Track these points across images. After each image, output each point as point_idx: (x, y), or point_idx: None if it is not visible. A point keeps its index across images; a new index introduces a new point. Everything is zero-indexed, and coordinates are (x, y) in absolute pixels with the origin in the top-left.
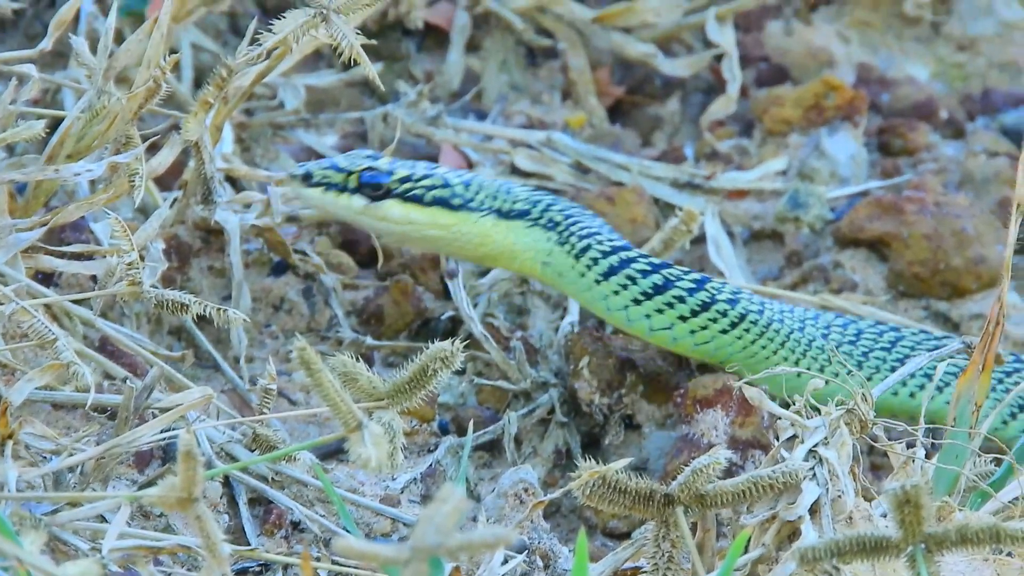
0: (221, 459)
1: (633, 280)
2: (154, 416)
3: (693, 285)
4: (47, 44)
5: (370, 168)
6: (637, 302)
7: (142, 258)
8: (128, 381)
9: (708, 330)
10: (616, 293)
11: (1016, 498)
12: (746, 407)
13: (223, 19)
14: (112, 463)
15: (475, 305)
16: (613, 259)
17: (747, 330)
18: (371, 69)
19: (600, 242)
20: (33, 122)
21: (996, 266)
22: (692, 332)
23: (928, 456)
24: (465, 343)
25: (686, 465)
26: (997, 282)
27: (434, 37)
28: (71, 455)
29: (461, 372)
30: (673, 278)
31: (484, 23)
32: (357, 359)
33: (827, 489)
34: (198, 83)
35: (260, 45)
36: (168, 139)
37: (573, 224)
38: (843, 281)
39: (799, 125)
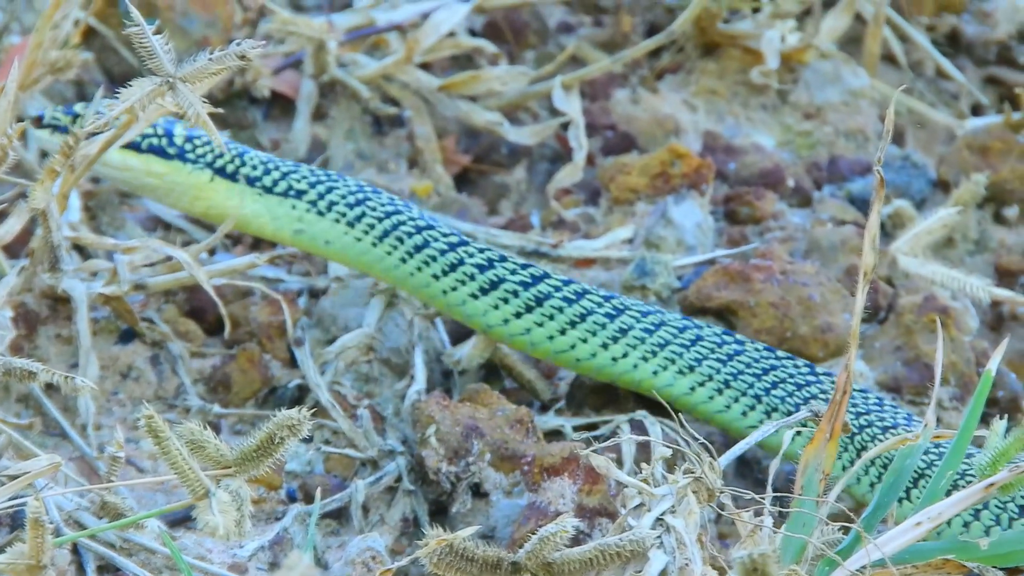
0: (69, 527)
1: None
2: (2, 484)
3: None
4: None
5: (97, 114)
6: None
7: None
8: None
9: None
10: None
11: (864, 567)
12: (593, 475)
13: (70, 87)
14: None
15: (322, 373)
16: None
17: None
18: (217, 137)
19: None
20: None
21: (843, 334)
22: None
23: (776, 524)
24: (312, 411)
25: (533, 533)
26: (844, 350)
27: (280, 105)
28: None
29: (308, 440)
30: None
31: (330, 91)
32: (205, 427)
33: (675, 557)
34: (44, 152)
35: (107, 114)
36: (15, 207)
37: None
38: None
39: (646, 193)
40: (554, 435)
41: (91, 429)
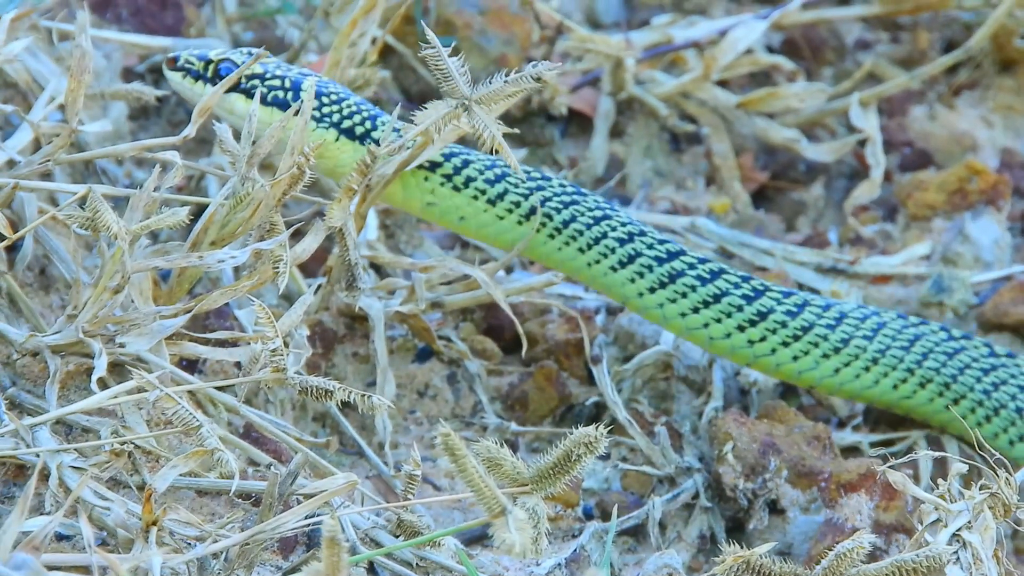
0: (366, 545)
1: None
2: (298, 502)
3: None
4: (191, 131)
5: (228, 60)
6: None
7: (286, 345)
8: (272, 467)
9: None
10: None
11: None
12: (890, 491)
13: None
14: (256, 549)
15: (619, 390)
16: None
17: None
18: (512, 158)
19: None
20: (177, 209)
21: None
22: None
23: None
24: (609, 428)
25: (830, 549)
26: None
27: (578, 123)
28: (215, 541)
29: (605, 457)
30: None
31: (628, 109)
32: (502, 445)
33: (971, 573)
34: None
35: (403, 135)
36: (312, 225)
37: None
38: None
39: (943, 209)
40: (851, 451)
41: (388, 447)
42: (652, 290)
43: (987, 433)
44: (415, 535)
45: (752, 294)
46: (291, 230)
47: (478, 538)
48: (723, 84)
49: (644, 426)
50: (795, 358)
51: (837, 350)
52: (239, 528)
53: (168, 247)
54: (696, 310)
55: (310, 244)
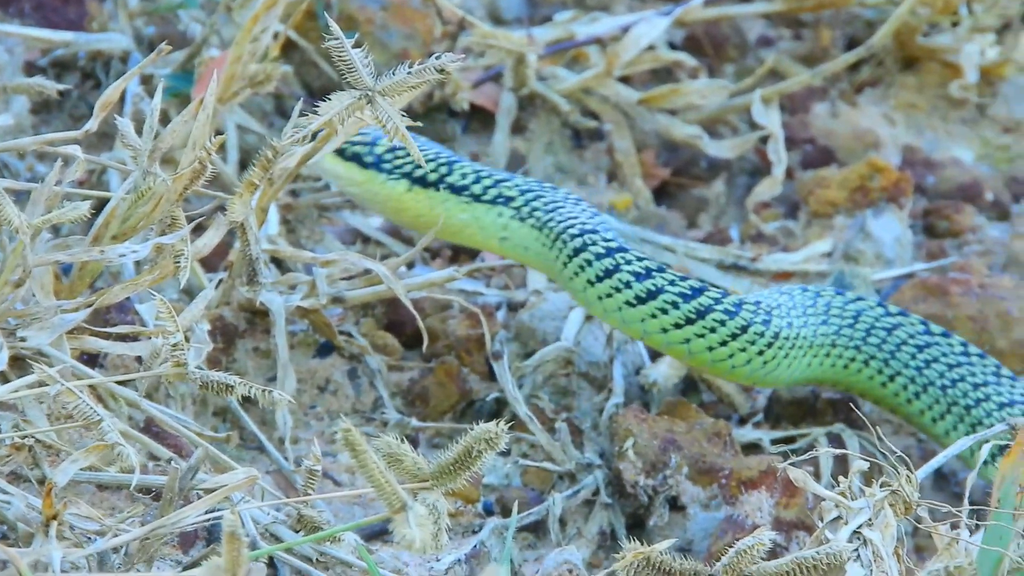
0: (266, 540)
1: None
2: (199, 497)
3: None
4: (93, 125)
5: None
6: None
7: (187, 339)
8: (173, 462)
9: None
10: (595, 286)
11: None
12: (791, 488)
13: (268, 100)
14: (157, 544)
15: (520, 386)
16: (578, 241)
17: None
18: (416, 150)
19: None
20: (78, 203)
21: None
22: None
23: (972, 537)
24: (510, 424)
25: (730, 546)
26: None
27: (480, 118)
28: (116, 536)
29: (506, 453)
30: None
31: (530, 104)
32: (402, 440)
33: (871, 570)
34: (243, 164)
35: (306, 127)
36: (213, 220)
37: (533, 200)
38: None
39: (844, 207)
40: (752, 448)
41: (288, 442)
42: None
43: (915, 410)
44: (315, 530)
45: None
46: (192, 225)
47: (378, 533)
48: (625, 80)
49: (545, 422)
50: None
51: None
52: (139, 523)
53: (69, 241)
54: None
55: (211, 239)
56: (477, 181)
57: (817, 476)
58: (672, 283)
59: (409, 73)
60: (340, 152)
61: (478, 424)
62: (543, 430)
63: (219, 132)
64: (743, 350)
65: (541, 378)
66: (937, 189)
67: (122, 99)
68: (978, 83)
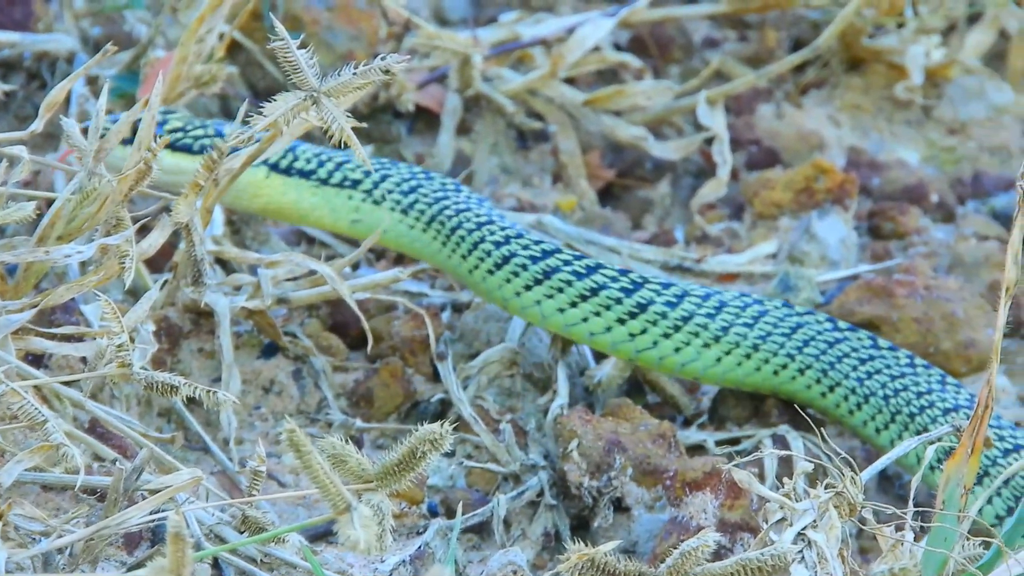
0: (210, 541)
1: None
2: (143, 498)
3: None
4: (38, 126)
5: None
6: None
7: (132, 340)
8: (118, 463)
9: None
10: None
11: None
12: (735, 490)
13: (214, 101)
14: (101, 545)
15: (465, 387)
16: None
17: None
18: (361, 152)
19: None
20: (23, 204)
21: (986, 349)
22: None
23: (917, 539)
24: (454, 425)
25: (675, 548)
26: (986, 366)
27: (425, 120)
28: (60, 536)
29: (450, 454)
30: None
31: (475, 105)
32: (347, 441)
33: (815, 572)
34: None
35: (250, 127)
36: (158, 221)
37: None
38: None
39: (789, 208)
40: (696, 450)
41: (233, 443)
42: (528, 288)
43: (858, 420)
44: (260, 531)
45: (631, 287)
46: (137, 225)
47: (323, 535)
48: (570, 82)
49: (489, 423)
50: (677, 349)
51: (717, 339)
52: (84, 523)
53: (14, 242)
54: (574, 304)
55: (156, 239)
56: (321, 165)
57: (762, 478)
58: (567, 263)
59: (354, 74)
60: (182, 148)
61: (423, 425)
62: (488, 431)
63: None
64: (644, 331)
65: (486, 379)
66: (882, 191)
67: (68, 100)
68: (923, 85)
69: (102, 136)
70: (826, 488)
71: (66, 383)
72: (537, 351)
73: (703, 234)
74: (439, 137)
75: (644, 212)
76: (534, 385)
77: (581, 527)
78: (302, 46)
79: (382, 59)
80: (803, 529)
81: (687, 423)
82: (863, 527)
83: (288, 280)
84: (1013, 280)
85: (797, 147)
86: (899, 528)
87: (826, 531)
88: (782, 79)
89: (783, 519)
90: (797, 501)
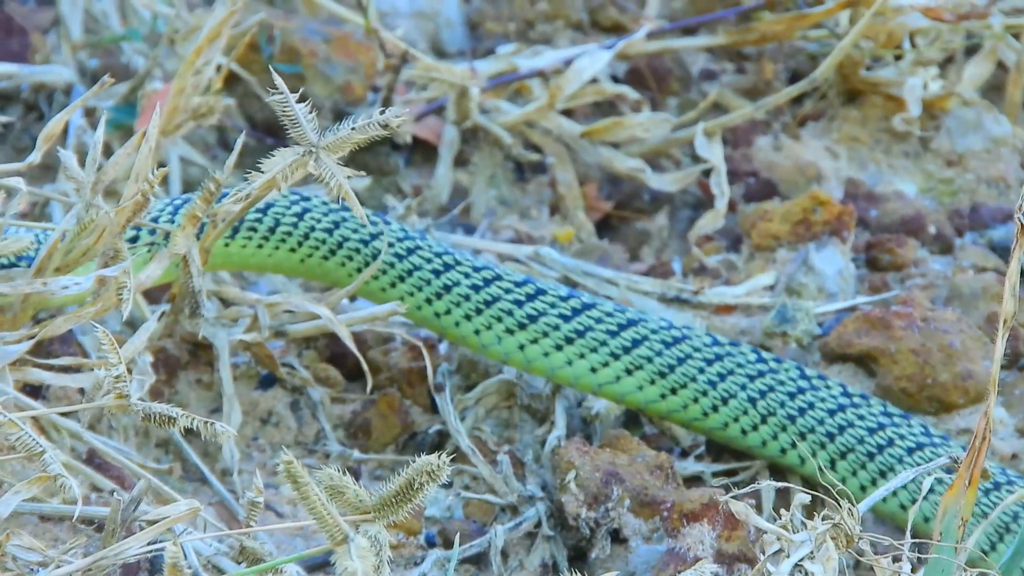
0: (208, 572)
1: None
2: (141, 528)
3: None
4: (36, 157)
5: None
6: None
7: (130, 371)
8: (115, 494)
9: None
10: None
11: None
12: (732, 521)
13: (211, 133)
14: (99, 575)
15: (462, 419)
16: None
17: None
18: (360, 209)
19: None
20: (21, 235)
21: (983, 381)
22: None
23: (914, 571)
24: (452, 457)
25: None
26: (984, 397)
27: (422, 151)
28: (58, 567)
29: (448, 485)
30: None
31: (472, 138)
32: (344, 472)
33: None
34: None
35: (249, 183)
36: (156, 253)
37: None
38: None
39: (787, 240)
40: (694, 481)
41: (232, 475)
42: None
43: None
44: (257, 562)
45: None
46: (135, 257)
47: (320, 565)
48: (568, 113)
49: (487, 454)
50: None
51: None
52: (82, 554)
53: (12, 273)
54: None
55: (154, 271)
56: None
57: (759, 509)
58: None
59: (353, 129)
60: None
61: (420, 456)
62: (485, 462)
63: (162, 164)
64: (498, 320)
65: (483, 410)
66: (880, 222)
67: (65, 131)
68: (921, 116)
69: (99, 168)
70: (823, 519)
71: (64, 414)
72: (534, 382)
73: (701, 266)
74: (437, 169)
75: (641, 244)
76: (532, 416)
77: (578, 558)
78: (299, 81)
79: (381, 112)
80: (800, 560)
81: (684, 454)
82: (860, 558)
83: (286, 312)
84: (1011, 312)
85: (795, 179)
86: (896, 559)
87: (823, 562)
88: (780, 111)
89: (780, 550)
90: (794, 532)
